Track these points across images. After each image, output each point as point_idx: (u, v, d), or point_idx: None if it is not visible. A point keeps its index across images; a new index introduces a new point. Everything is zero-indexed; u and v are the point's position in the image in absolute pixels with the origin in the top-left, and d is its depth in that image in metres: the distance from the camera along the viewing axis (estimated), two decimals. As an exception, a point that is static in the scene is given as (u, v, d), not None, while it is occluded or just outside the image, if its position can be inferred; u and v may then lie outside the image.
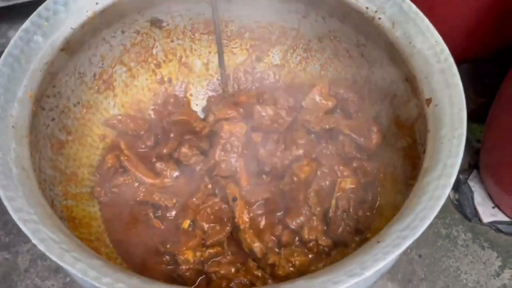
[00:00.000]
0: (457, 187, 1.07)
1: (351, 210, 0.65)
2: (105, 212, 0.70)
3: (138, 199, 0.69)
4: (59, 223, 0.47)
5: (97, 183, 0.72)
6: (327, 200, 0.67)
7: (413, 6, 0.62)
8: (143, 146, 0.76)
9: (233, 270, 0.62)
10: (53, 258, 0.42)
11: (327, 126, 0.73)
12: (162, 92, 0.83)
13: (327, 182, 0.67)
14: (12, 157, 0.50)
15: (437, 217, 1.05)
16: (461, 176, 1.07)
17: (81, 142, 0.72)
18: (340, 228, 0.65)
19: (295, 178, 0.65)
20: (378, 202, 0.69)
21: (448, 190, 0.47)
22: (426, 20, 0.61)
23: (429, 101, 0.57)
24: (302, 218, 0.65)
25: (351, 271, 0.42)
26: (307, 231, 0.65)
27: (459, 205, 1.05)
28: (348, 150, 0.72)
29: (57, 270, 0.99)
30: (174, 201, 0.69)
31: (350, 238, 0.65)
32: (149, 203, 0.69)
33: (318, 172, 0.67)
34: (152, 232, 0.67)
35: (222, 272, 0.62)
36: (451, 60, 0.57)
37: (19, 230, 0.43)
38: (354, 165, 0.70)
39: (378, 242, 0.45)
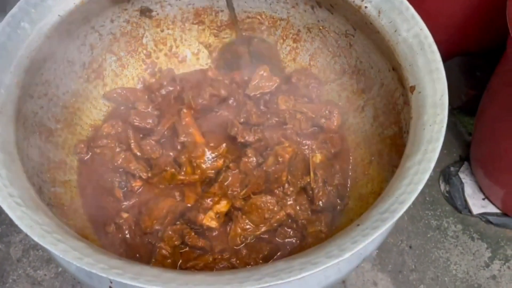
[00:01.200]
0: (448, 179, 1.07)
1: (328, 178, 0.69)
2: (82, 170, 0.72)
3: (115, 163, 0.70)
4: (43, 206, 0.48)
5: (82, 141, 0.73)
6: (300, 176, 0.69)
7: (398, -6, 0.63)
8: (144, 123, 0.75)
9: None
10: (35, 238, 0.43)
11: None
12: (152, 82, 0.83)
13: (298, 160, 0.69)
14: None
15: (427, 208, 1.07)
16: (452, 168, 1.07)
17: (70, 130, 0.73)
18: (326, 195, 0.67)
19: (280, 159, 0.66)
20: (350, 173, 0.74)
21: (427, 174, 0.47)
22: (411, 9, 0.61)
23: (412, 88, 0.58)
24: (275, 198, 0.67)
25: (329, 252, 0.43)
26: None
27: (450, 197, 1.05)
28: (304, 126, 0.74)
29: (49, 260, 1.00)
30: (150, 174, 0.69)
31: (336, 201, 0.69)
32: (123, 171, 0.70)
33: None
34: (108, 200, 0.68)
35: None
36: (434, 47, 0.58)
37: (12, 220, 0.43)
38: (321, 137, 0.74)
39: (358, 225, 0.45)
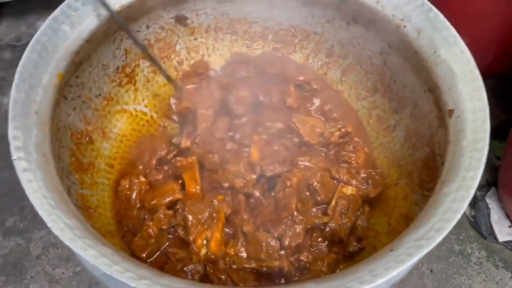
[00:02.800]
0: (473, 203, 1.05)
1: (349, 211, 0.66)
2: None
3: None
4: (74, 210, 0.48)
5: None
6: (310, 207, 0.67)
7: (440, 15, 0.62)
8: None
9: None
10: (66, 242, 0.43)
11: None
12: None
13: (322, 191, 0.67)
14: (33, 142, 0.51)
15: (451, 232, 1.05)
16: (478, 193, 1.05)
17: (100, 133, 0.73)
18: (339, 224, 0.65)
19: (288, 183, 0.65)
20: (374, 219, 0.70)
21: (466, 203, 0.46)
22: (453, 30, 0.60)
23: (451, 111, 0.56)
24: (283, 227, 0.64)
25: (361, 277, 0.41)
26: (288, 239, 0.64)
27: (475, 222, 1.03)
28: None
29: (68, 259, 1.00)
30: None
31: (347, 235, 0.65)
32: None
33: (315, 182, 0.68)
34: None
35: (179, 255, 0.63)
36: (476, 72, 0.57)
37: (35, 216, 0.44)
38: (363, 175, 0.70)
39: (391, 250, 0.44)
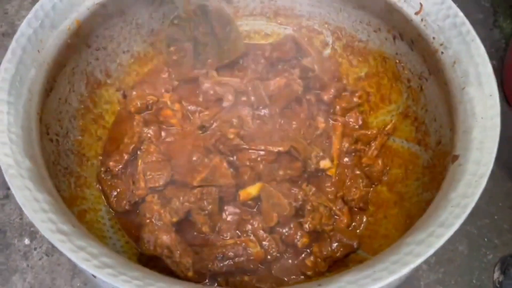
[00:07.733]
0: (504, 269, 0.93)
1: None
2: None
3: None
4: (38, 157, 0.49)
5: None
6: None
7: (482, 49, 0.54)
8: None
9: None
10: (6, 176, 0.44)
11: None
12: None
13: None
14: (26, 78, 0.53)
15: (471, 297, 0.93)
16: (510, 258, 0.93)
17: (119, 87, 0.74)
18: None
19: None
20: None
21: (418, 261, 0.40)
22: (490, 68, 0.52)
23: (455, 158, 0.49)
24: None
25: None
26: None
27: (500, 290, 0.91)
28: None
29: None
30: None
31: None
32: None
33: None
34: None
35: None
36: (497, 120, 0.49)
37: None
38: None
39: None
